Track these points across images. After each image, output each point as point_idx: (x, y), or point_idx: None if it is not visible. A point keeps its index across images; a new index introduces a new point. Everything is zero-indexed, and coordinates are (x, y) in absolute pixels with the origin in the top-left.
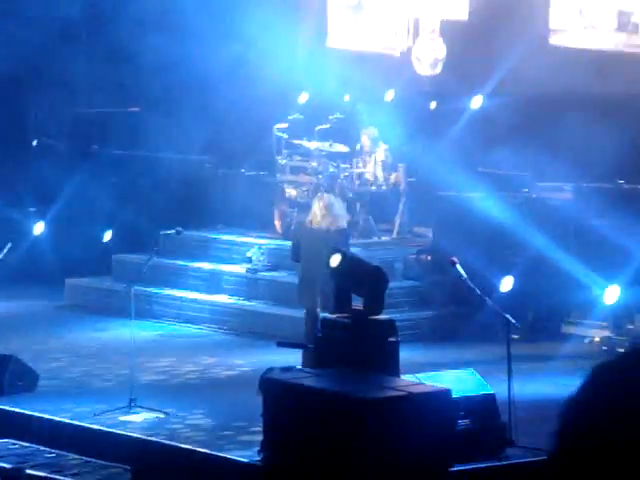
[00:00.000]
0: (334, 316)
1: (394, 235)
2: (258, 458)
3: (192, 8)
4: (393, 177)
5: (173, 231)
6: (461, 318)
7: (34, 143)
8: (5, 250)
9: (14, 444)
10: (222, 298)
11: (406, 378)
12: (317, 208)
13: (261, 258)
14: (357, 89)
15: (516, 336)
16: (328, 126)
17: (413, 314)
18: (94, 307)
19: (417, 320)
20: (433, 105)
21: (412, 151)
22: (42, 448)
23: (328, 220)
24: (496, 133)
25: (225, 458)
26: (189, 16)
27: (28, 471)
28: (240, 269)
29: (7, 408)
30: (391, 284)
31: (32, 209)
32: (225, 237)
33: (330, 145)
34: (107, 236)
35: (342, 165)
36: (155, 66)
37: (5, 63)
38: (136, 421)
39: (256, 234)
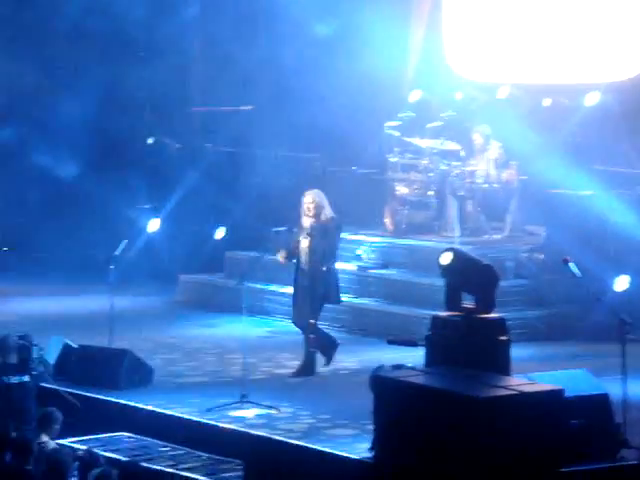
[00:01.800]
0: (445, 314)
1: (505, 233)
2: (369, 455)
3: (304, 8)
4: (505, 175)
5: (284, 228)
6: (574, 317)
7: (149, 141)
8: (121, 247)
9: (130, 437)
10: None
11: (517, 377)
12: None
13: (372, 256)
14: (470, 86)
15: (631, 336)
16: (440, 124)
17: (525, 313)
18: (206, 303)
19: (529, 319)
20: (547, 102)
21: (525, 148)
22: (157, 442)
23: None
24: (612, 129)
25: (336, 455)
26: (301, 17)
27: (143, 464)
28: (350, 267)
29: (123, 402)
30: (502, 283)
31: (146, 206)
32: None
33: (442, 143)
34: (220, 233)
35: (453, 163)
36: (267, 66)
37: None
38: (247, 416)
39: (366, 232)
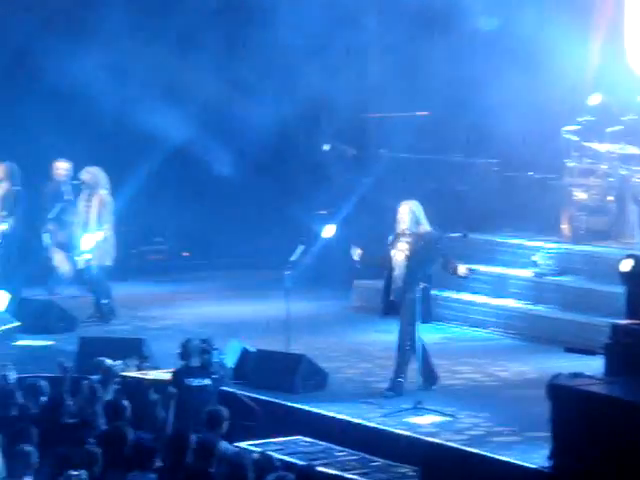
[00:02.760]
0: (626, 322)
1: None
2: (548, 464)
3: (481, 16)
4: None
5: (459, 234)
6: None
7: (325, 148)
8: (298, 252)
9: (305, 441)
10: (508, 302)
11: None
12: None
13: (548, 262)
14: None
15: None
16: (621, 128)
17: None
18: (379, 309)
19: None
20: None
21: None
22: (332, 446)
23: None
24: None
25: (513, 463)
26: (478, 24)
27: (319, 468)
28: (526, 273)
29: (299, 406)
30: None
31: (322, 212)
32: (511, 241)
33: (622, 147)
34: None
35: (634, 168)
36: (442, 72)
37: None
38: (422, 423)
39: (543, 238)
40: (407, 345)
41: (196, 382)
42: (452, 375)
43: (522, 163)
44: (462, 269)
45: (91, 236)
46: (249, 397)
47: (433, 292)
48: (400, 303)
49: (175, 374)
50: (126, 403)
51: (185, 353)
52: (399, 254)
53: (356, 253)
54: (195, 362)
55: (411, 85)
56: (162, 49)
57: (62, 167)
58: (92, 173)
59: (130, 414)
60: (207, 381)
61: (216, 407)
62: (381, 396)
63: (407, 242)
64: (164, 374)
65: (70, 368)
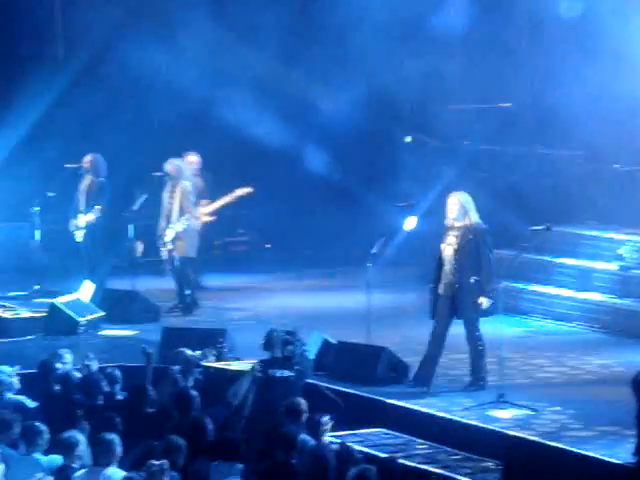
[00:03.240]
0: None
1: None
2: (633, 460)
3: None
4: None
5: (542, 227)
6: None
7: (407, 139)
8: (379, 245)
9: (387, 433)
10: (593, 296)
11: None
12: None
13: (634, 255)
14: None
15: None
16: None
17: None
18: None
19: None
20: None
21: None
22: (414, 439)
23: None
24: None
25: (597, 458)
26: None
27: (400, 461)
28: (612, 266)
29: (380, 399)
30: None
31: (404, 204)
32: (595, 233)
33: None
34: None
35: None
36: (525, 63)
37: None
38: (504, 417)
39: (629, 231)
40: (478, 337)
41: (279, 373)
42: (536, 369)
43: (607, 155)
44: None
45: (174, 227)
46: (331, 389)
47: (518, 285)
48: (451, 298)
49: (259, 364)
50: (195, 393)
51: (269, 344)
52: (448, 248)
53: None
54: (278, 353)
55: (493, 76)
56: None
57: (194, 160)
58: (175, 165)
59: (199, 404)
60: (289, 372)
61: (295, 399)
62: (463, 390)
63: (455, 235)
64: (245, 365)
65: (152, 355)
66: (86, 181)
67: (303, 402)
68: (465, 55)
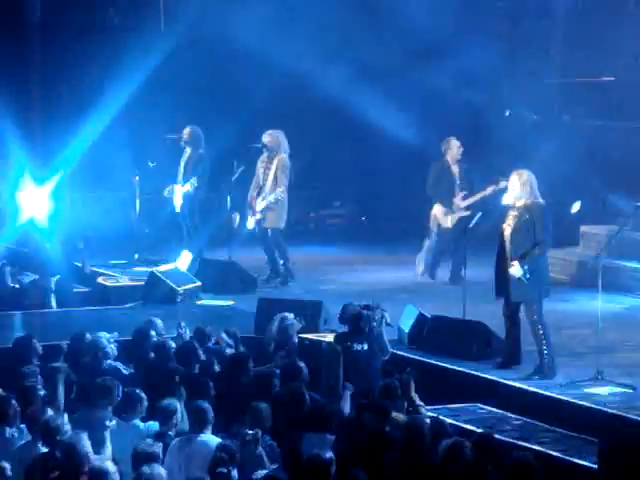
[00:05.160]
0: None
1: None
2: None
3: None
4: None
5: None
6: None
7: (507, 113)
8: (475, 219)
9: (483, 409)
10: None
11: None
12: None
13: None
14: None
15: None
16: None
17: None
18: (561, 279)
19: None
20: None
21: None
22: (509, 414)
23: None
24: None
25: None
26: None
27: (496, 436)
28: None
29: (475, 373)
30: None
31: (501, 179)
32: None
33: None
34: (575, 207)
35: None
36: (631, 36)
37: None
38: (602, 394)
39: None
40: (535, 321)
41: (355, 347)
42: (634, 346)
43: None
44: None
45: (265, 198)
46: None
47: (617, 262)
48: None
49: (336, 337)
50: (302, 365)
51: (343, 317)
52: (507, 228)
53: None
54: (353, 327)
55: (594, 50)
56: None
57: (456, 145)
58: (274, 136)
59: (307, 376)
60: (365, 346)
61: (391, 381)
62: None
63: (514, 216)
64: None
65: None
66: (186, 153)
67: (397, 384)
68: (565, 29)
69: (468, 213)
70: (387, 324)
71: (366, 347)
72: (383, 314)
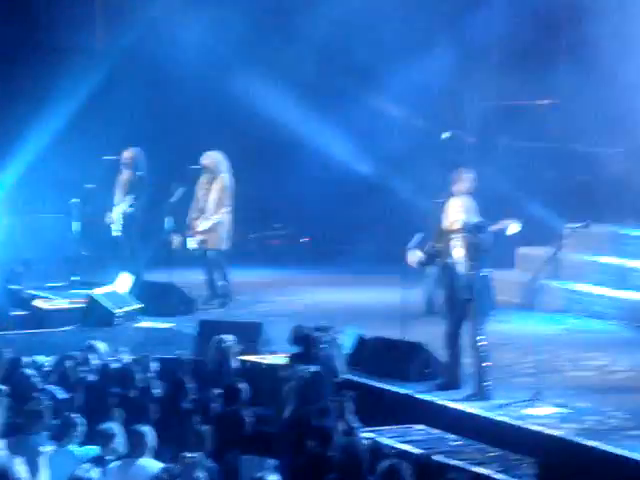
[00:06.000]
0: None
1: None
2: None
3: None
4: None
5: (580, 224)
6: None
7: (445, 135)
8: (415, 240)
9: (421, 430)
10: (630, 294)
11: None
12: None
13: None
14: None
15: None
16: None
17: None
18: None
19: None
20: None
21: None
22: (449, 435)
23: None
24: None
25: (634, 459)
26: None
27: (435, 457)
28: None
29: (414, 394)
30: None
31: (441, 200)
32: (634, 233)
33: None
34: (512, 228)
35: None
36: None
37: None
38: (539, 415)
39: None
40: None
41: (305, 368)
42: (572, 366)
43: None
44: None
45: (208, 219)
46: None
47: (556, 284)
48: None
49: (289, 359)
50: (244, 386)
51: (294, 339)
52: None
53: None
54: (304, 349)
55: (531, 73)
56: None
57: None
58: (212, 157)
59: (248, 397)
60: (316, 368)
61: (341, 397)
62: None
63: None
64: (281, 359)
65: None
66: (124, 175)
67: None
68: (505, 52)
69: None
70: (340, 346)
71: (316, 369)
72: (334, 336)
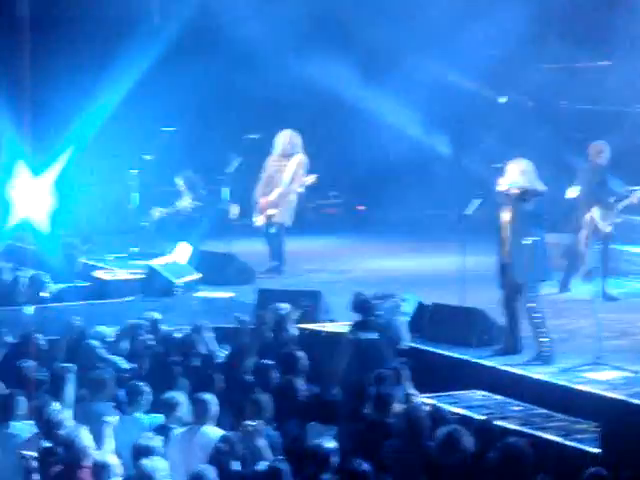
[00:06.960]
0: None
1: None
2: None
3: None
4: None
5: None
6: None
7: (502, 100)
8: (472, 206)
9: (483, 395)
10: None
11: None
12: None
13: None
14: None
15: None
16: None
17: None
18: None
19: None
20: None
21: None
22: (510, 400)
23: None
24: None
25: None
26: None
27: (496, 422)
28: None
29: (475, 360)
30: None
31: (498, 165)
32: None
33: None
34: (572, 192)
35: None
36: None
37: None
38: (602, 379)
39: None
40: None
41: (365, 335)
42: (634, 330)
43: None
44: None
45: (282, 195)
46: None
47: (616, 247)
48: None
49: (349, 327)
50: (301, 354)
51: (355, 306)
52: (505, 215)
53: None
54: (364, 316)
55: (587, 35)
56: None
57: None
58: (288, 136)
59: (305, 366)
60: (376, 335)
61: (398, 365)
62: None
63: (510, 203)
64: (340, 327)
65: (247, 322)
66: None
67: (405, 370)
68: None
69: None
70: (403, 313)
71: (376, 336)
72: (398, 303)
